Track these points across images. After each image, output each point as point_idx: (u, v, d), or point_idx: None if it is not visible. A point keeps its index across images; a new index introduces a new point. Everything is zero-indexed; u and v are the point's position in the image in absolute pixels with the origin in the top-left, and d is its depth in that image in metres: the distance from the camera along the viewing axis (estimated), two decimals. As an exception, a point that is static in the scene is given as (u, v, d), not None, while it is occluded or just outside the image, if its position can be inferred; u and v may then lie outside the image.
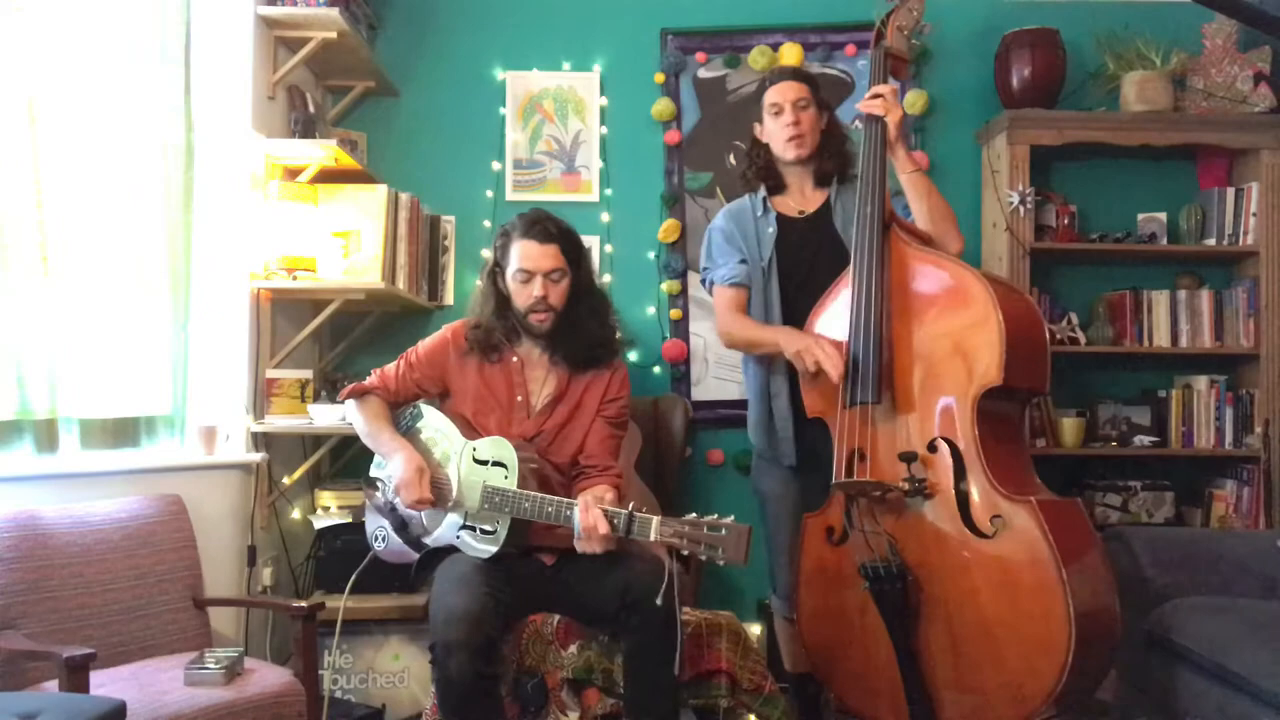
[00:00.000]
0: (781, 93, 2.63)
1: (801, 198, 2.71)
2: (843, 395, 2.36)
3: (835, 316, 2.47)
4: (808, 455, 2.59)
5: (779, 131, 2.63)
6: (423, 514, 2.38)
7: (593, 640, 2.53)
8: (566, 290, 2.44)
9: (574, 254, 2.45)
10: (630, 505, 2.16)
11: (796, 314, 2.58)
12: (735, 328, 2.66)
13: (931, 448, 2.27)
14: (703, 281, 2.82)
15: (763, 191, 2.71)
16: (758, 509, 2.77)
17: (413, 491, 2.30)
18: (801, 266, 2.63)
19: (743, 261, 2.67)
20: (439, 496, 2.34)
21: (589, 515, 2.16)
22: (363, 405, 2.49)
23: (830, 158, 2.67)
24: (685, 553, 2.08)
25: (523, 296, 2.41)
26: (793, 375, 2.57)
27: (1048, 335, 2.39)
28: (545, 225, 2.42)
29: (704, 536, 2.05)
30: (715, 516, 2.08)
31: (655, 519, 2.11)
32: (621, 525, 2.14)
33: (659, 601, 2.12)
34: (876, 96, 2.47)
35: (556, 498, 2.23)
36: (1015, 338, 2.21)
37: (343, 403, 2.58)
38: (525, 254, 2.40)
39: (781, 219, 2.68)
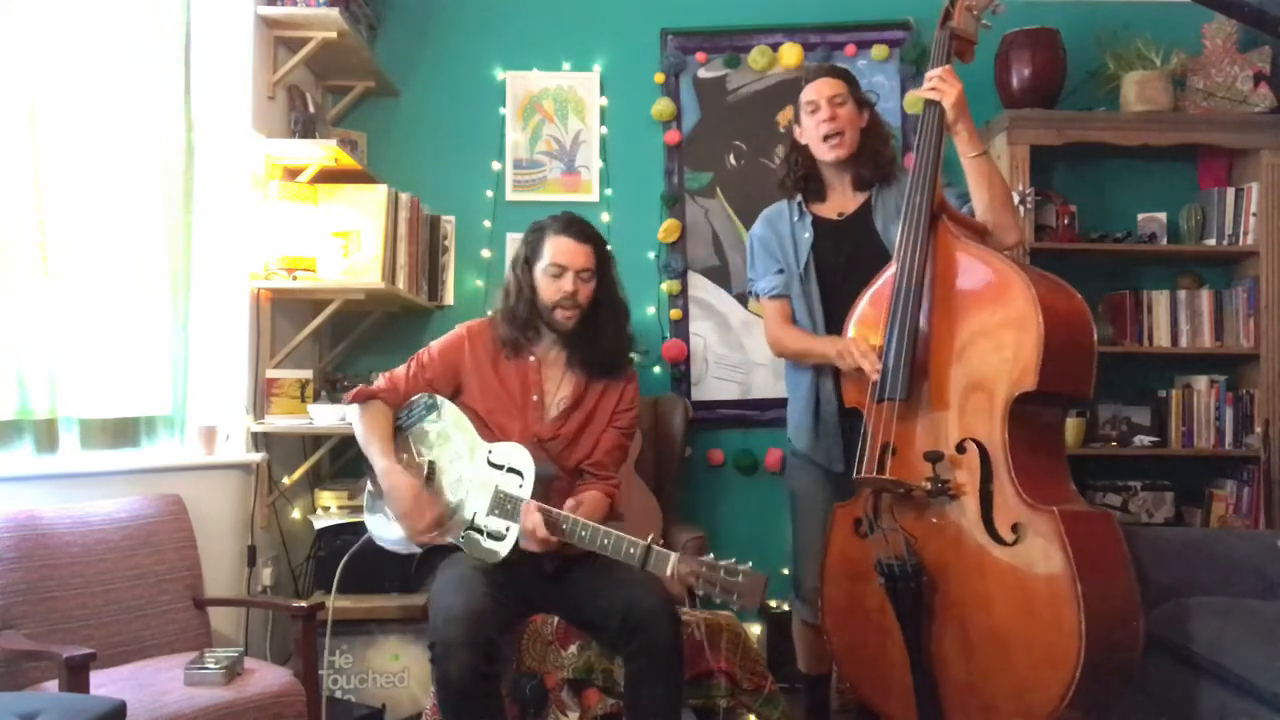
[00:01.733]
0: (817, 89, 2.55)
1: (842, 200, 2.64)
2: (873, 389, 2.31)
3: (875, 302, 2.42)
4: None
5: (815, 129, 2.55)
6: None
7: (593, 641, 2.53)
8: (592, 292, 2.45)
9: (603, 259, 2.48)
10: (650, 537, 2.15)
11: (838, 316, 2.53)
12: (786, 339, 2.63)
13: (960, 449, 2.21)
14: (750, 292, 2.80)
15: (799, 196, 2.65)
16: (788, 507, 2.74)
17: (417, 521, 2.31)
18: (839, 269, 2.57)
19: (780, 271, 2.64)
20: (439, 514, 2.35)
21: (529, 519, 2.19)
22: (365, 412, 2.46)
23: (870, 159, 2.58)
24: (700, 594, 2.08)
25: (551, 291, 2.42)
26: (839, 378, 2.53)
27: (1095, 339, 2.29)
28: (583, 226, 2.47)
29: (720, 580, 2.03)
30: (733, 561, 2.05)
31: (673, 555, 2.10)
32: (638, 557, 2.13)
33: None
34: (931, 80, 2.36)
35: (571, 517, 2.23)
36: (1055, 341, 2.14)
37: (347, 405, 2.56)
38: (561, 249, 2.42)
39: (818, 223, 2.62)
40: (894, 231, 2.43)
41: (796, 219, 2.65)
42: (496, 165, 3.70)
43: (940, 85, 2.34)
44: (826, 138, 2.54)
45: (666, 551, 2.11)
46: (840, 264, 2.58)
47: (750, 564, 2.04)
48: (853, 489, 2.39)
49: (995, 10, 2.43)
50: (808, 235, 2.62)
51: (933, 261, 2.31)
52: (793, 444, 2.72)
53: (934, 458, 2.20)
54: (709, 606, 2.77)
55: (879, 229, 2.57)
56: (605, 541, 2.16)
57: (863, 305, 2.46)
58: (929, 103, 2.38)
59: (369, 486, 2.48)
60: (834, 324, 2.56)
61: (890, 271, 2.37)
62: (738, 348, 3.67)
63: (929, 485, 2.19)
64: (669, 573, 2.09)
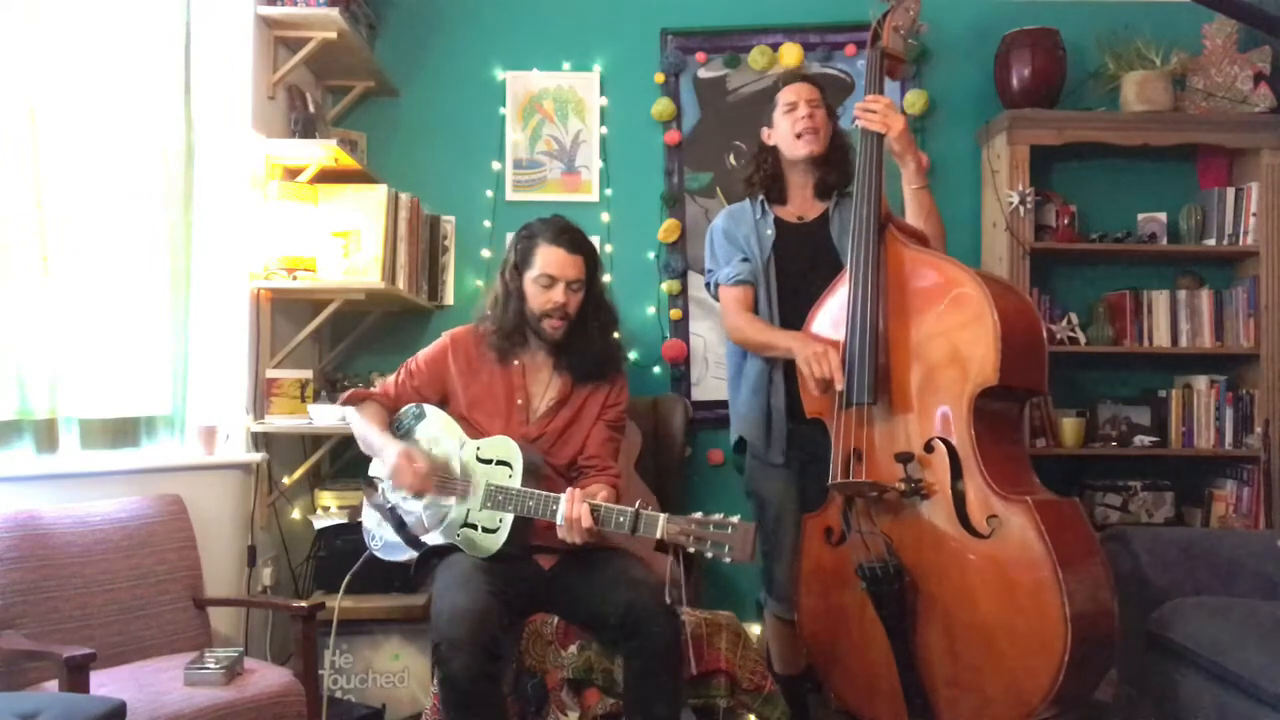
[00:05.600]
0: (797, 91, 2.67)
1: (802, 205, 2.73)
2: (839, 396, 2.36)
3: (833, 316, 2.48)
4: (802, 454, 2.59)
5: (791, 127, 2.64)
6: (422, 513, 2.38)
7: (593, 640, 2.53)
8: (581, 301, 2.46)
9: (593, 267, 2.49)
10: (637, 503, 2.17)
11: (793, 316, 2.59)
12: (748, 328, 2.65)
13: (928, 448, 2.27)
14: (707, 285, 2.82)
15: (761, 196, 2.73)
16: (754, 511, 2.76)
17: (404, 474, 2.30)
18: (798, 271, 2.65)
19: (745, 260, 2.68)
20: (443, 481, 2.34)
21: (574, 507, 2.17)
22: (360, 410, 2.50)
23: (834, 168, 2.69)
24: (692, 550, 2.08)
25: (541, 300, 2.43)
26: (789, 372, 2.57)
27: (1045, 334, 2.39)
28: (574, 235, 2.46)
29: (711, 534, 2.05)
30: (721, 515, 2.08)
31: (662, 516, 2.11)
32: (628, 523, 2.14)
33: (668, 599, 2.12)
34: (871, 111, 2.47)
35: (560, 495, 2.23)
36: (1011, 338, 2.21)
37: (343, 408, 2.57)
38: (552, 260, 2.42)
39: (780, 223, 2.70)
40: (847, 243, 2.49)
41: (759, 217, 2.72)
42: (496, 165, 3.70)
43: (886, 119, 2.45)
44: (800, 134, 2.62)
45: (655, 514, 2.12)
46: (800, 265, 2.65)
47: (739, 516, 2.06)
48: (810, 485, 2.43)
49: (919, 31, 2.53)
50: (770, 232, 2.69)
51: (885, 269, 2.38)
52: (743, 436, 2.73)
53: (905, 458, 2.25)
54: (708, 607, 2.77)
55: (834, 238, 2.65)
56: (596, 513, 2.17)
57: (819, 315, 2.51)
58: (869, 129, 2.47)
59: (370, 497, 2.49)
60: (788, 322, 2.61)
61: (842, 283, 2.44)
62: (738, 348, 3.67)
63: (903, 485, 2.24)
64: (659, 534, 2.10)
